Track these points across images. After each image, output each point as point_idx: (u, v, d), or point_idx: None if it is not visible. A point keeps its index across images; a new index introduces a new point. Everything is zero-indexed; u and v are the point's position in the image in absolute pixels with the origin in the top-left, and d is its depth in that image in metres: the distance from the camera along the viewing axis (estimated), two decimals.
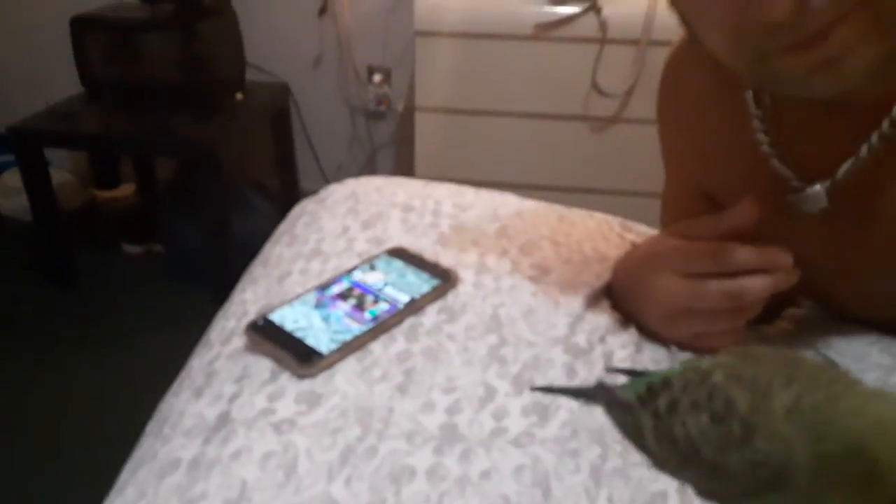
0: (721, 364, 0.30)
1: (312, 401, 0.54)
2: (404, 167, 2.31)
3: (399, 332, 0.61)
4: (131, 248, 2.22)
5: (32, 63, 2.35)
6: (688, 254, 0.58)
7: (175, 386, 0.62)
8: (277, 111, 2.22)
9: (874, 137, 0.52)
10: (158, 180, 2.36)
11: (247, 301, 0.69)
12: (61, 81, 2.05)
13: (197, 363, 0.62)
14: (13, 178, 2.34)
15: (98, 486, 0.56)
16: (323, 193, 0.92)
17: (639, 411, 0.31)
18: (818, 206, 0.56)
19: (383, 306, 0.63)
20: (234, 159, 1.93)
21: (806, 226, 0.57)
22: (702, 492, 0.30)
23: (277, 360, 0.58)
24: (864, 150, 0.53)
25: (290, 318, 0.62)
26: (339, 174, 2.37)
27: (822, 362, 0.26)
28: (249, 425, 0.51)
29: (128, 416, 1.56)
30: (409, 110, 2.11)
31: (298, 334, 0.60)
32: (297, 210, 0.93)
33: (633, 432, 0.32)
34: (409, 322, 0.63)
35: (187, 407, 0.55)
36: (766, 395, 0.26)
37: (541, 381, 0.55)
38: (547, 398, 0.53)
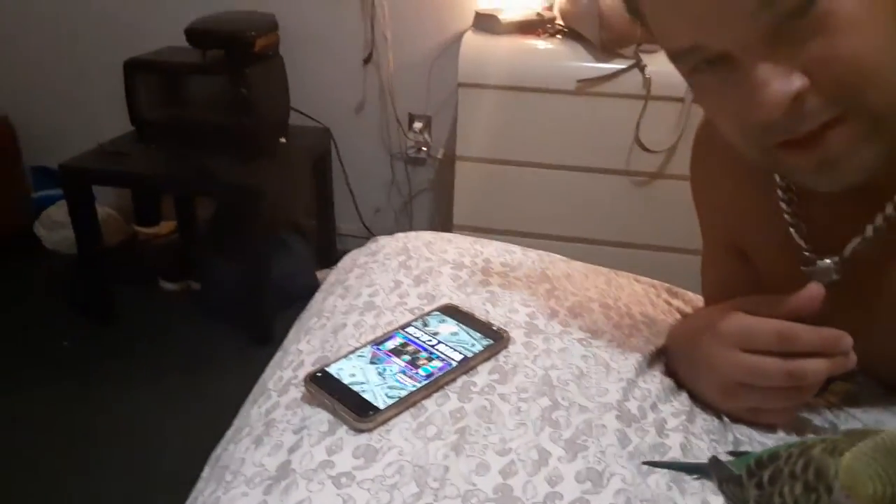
0: (822, 440, 0.31)
1: (369, 455, 0.55)
2: (441, 214, 2.34)
3: (452, 391, 0.63)
4: (168, 285, 2.27)
5: (86, 103, 2.45)
6: (753, 330, 0.58)
7: (231, 433, 0.63)
8: (319, 155, 2.27)
9: (879, 219, 0.55)
10: (199, 219, 2.41)
11: (302, 351, 0.71)
12: (113, 121, 2.13)
13: (255, 411, 0.63)
14: (58, 212, 2.42)
15: None
16: (373, 246, 0.94)
17: (746, 483, 0.33)
18: (829, 278, 0.59)
19: (437, 364, 0.65)
20: (274, 201, 1.98)
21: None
22: None
23: (335, 412, 0.59)
24: (869, 230, 0.56)
25: (347, 372, 0.63)
26: (377, 218, 2.42)
27: None
28: (310, 477, 0.53)
29: (159, 448, 1.59)
30: (448, 158, 2.15)
31: (355, 388, 0.61)
32: (346, 261, 0.95)
33: (738, 503, 0.34)
34: (461, 381, 0.64)
35: (248, 455, 0.56)
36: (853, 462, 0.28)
37: (594, 448, 0.56)
38: (601, 465, 0.54)
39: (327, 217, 2.37)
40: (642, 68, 1.64)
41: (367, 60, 2.23)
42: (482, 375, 0.65)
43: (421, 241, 0.93)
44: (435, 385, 0.62)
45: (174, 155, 2.02)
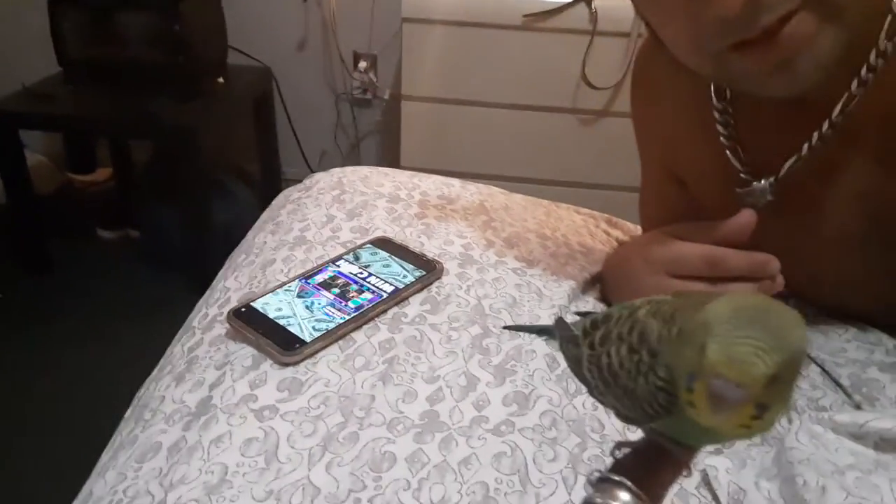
0: (649, 300, 0.32)
1: (294, 388, 0.54)
2: (389, 155, 2.29)
3: (382, 322, 0.61)
4: (107, 234, 2.19)
5: (8, 42, 2.30)
6: (682, 257, 0.59)
7: (155, 371, 0.61)
8: (260, 96, 2.19)
9: (815, 137, 0.54)
10: (136, 165, 2.33)
11: (229, 288, 0.69)
12: (38, 62, 2.01)
13: (178, 349, 0.61)
14: None
15: (76, 473, 0.55)
16: (308, 182, 0.91)
17: (581, 343, 0.34)
18: (763, 200, 0.58)
19: (367, 296, 0.63)
20: (214, 145, 1.91)
21: (758, 214, 0.59)
22: (619, 416, 0.33)
23: (259, 347, 0.58)
24: (805, 149, 0.55)
25: (274, 306, 0.61)
26: (323, 162, 2.36)
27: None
28: (231, 411, 0.51)
29: (103, 401, 1.55)
30: (396, 98, 2.10)
31: (281, 322, 0.59)
32: (280, 198, 0.92)
33: (575, 364, 0.35)
34: (392, 312, 0.63)
35: (168, 392, 0.54)
36: (673, 325, 0.28)
37: (523, 373, 0.55)
38: (527, 388, 0.54)
39: (271, 161, 2.31)
40: (589, 2, 1.61)
41: None
42: (414, 306, 0.63)
43: (357, 176, 0.90)
44: (364, 317, 0.61)
45: (106, 96, 1.92)
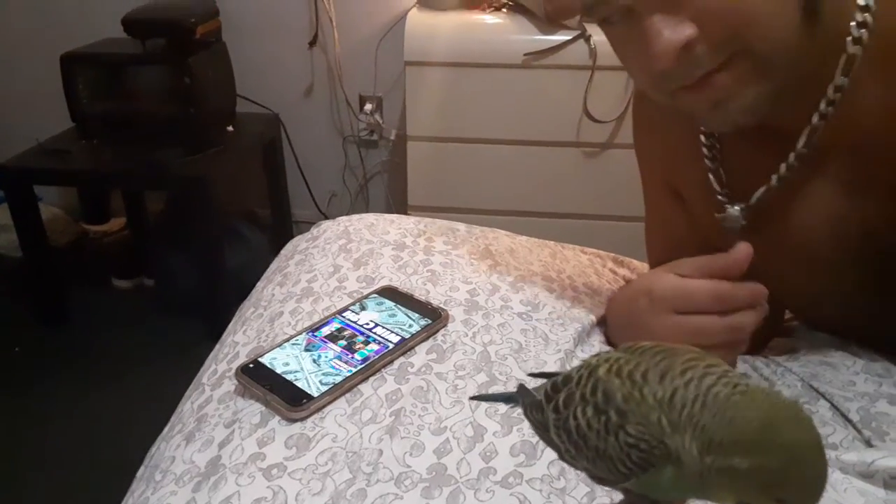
0: (607, 359, 0.33)
1: (302, 445, 0.54)
2: (397, 195, 2.32)
3: (389, 373, 0.62)
4: (122, 283, 2.22)
5: (23, 100, 2.36)
6: (688, 293, 0.60)
7: (166, 430, 0.62)
8: (268, 142, 2.23)
9: (783, 167, 0.58)
10: (149, 214, 2.36)
11: (238, 343, 0.70)
12: (51, 117, 2.06)
13: (188, 407, 0.62)
14: (2, 214, 2.34)
15: None
16: (315, 231, 0.92)
17: (545, 407, 0.34)
18: (738, 224, 0.62)
19: (373, 347, 0.64)
20: (225, 192, 1.94)
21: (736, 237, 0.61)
22: (592, 477, 0.34)
23: (268, 403, 0.58)
24: (774, 179, 0.59)
25: (281, 361, 0.62)
26: (332, 203, 2.39)
27: (698, 353, 0.30)
28: (239, 471, 0.51)
29: (121, 451, 1.56)
30: (402, 138, 2.13)
31: (289, 377, 0.60)
32: (289, 248, 0.93)
33: (541, 428, 0.35)
34: (398, 362, 0.63)
35: (178, 452, 0.55)
36: (641, 386, 0.29)
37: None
38: (534, 437, 0.53)
39: (281, 205, 2.34)
40: (587, 38, 1.63)
41: (312, 43, 2.18)
42: (420, 356, 0.64)
43: (363, 224, 0.91)
44: (371, 369, 0.61)
45: (119, 149, 1.96)
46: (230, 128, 2.08)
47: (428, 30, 1.74)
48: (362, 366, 0.61)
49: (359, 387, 0.60)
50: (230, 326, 0.77)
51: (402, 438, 0.54)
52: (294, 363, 0.62)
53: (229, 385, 0.62)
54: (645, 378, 0.30)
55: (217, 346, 0.73)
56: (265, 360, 0.62)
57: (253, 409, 0.58)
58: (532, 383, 0.49)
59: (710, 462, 0.28)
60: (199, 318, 1.96)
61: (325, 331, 0.66)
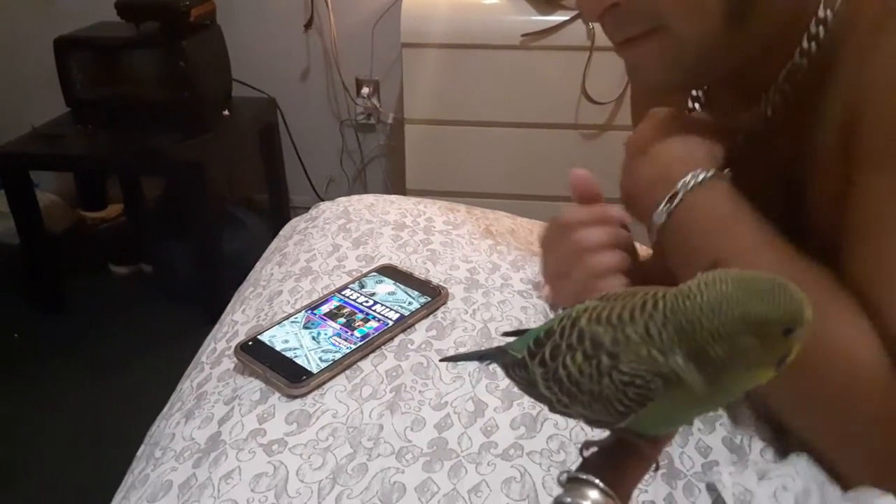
0: (585, 308, 0.33)
1: (302, 421, 0.54)
2: (395, 179, 2.31)
3: (389, 350, 0.61)
4: (119, 269, 2.21)
5: (17, 85, 2.35)
6: (552, 231, 0.66)
7: (166, 408, 0.62)
8: (265, 126, 2.21)
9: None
10: (146, 199, 2.35)
11: (237, 322, 0.69)
12: (46, 103, 2.05)
13: (187, 385, 0.62)
14: None
15: None
16: (314, 212, 0.92)
17: (529, 364, 0.34)
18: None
19: (372, 324, 0.63)
20: (222, 177, 1.93)
21: None
22: (590, 422, 0.34)
23: (267, 380, 0.58)
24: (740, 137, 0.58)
25: (280, 338, 0.62)
26: (330, 188, 2.38)
27: (654, 289, 0.32)
28: (240, 447, 0.51)
29: (120, 437, 1.56)
30: (399, 122, 2.12)
31: (288, 354, 0.60)
32: (287, 228, 0.93)
33: (528, 386, 0.36)
34: (399, 339, 0.63)
35: (178, 430, 0.55)
36: (622, 327, 0.31)
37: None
38: (534, 410, 0.53)
39: (279, 189, 2.33)
40: (585, 19, 1.62)
41: (307, 25, 2.17)
42: (420, 333, 0.64)
43: (362, 204, 0.91)
44: (370, 346, 0.61)
45: (114, 134, 1.95)
46: (226, 112, 2.07)
47: (425, 11, 1.72)
48: (362, 343, 0.61)
49: (359, 364, 0.60)
50: (229, 306, 0.77)
51: (402, 414, 0.54)
52: (293, 340, 0.62)
53: (228, 363, 0.62)
54: (621, 319, 0.31)
55: (216, 326, 0.73)
56: (264, 337, 0.62)
57: (253, 387, 0.58)
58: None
59: (719, 352, 0.29)
60: (198, 303, 1.96)
61: (325, 308, 0.66)
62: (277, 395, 0.56)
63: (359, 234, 0.83)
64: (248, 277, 0.85)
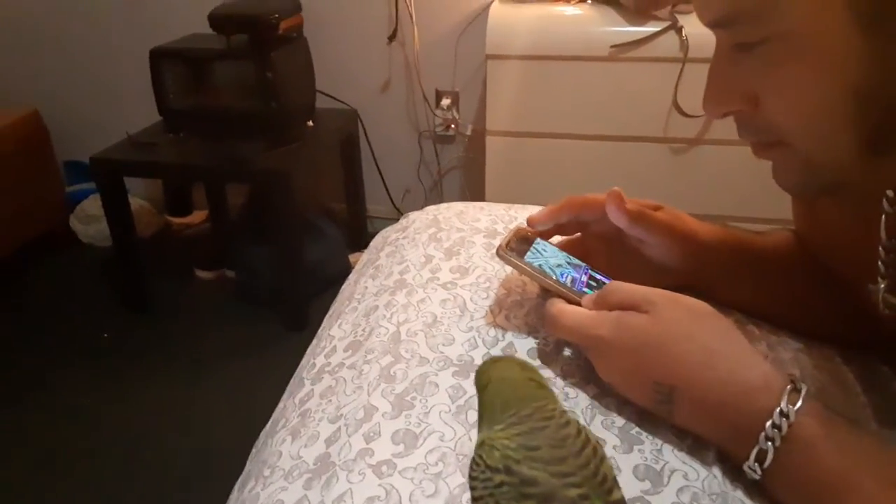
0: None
1: (409, 442, 0.52)
2: (472, 191, 2.30)
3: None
4: (204, 274, 2.27)
5: (114, 94, 2.46)
6: None
7: (269, 426, 0.61)
8: (346, 137, 2.24)
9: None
10: (230, 206, 2.41)
11: (334, 337, 0.69)
12: (141, 112, 2.13)
13: (290, 402, 0.61)
14: (92, 205, 2.44)
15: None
16: (404, 222, 0.91)
17: None
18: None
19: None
20: (304, 186, 1.96)
21: None
22: None
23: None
24: None
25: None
26: (406, 199, 2.39)
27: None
28: (349, 468, 0.50)
29: (199, 435, 1.60)
30: (478, 134, 2.11)
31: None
32: (378, 239, 0.92)
33: None
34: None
35: (284, 448, 0.54)
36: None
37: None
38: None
39: (357, 199, 2.35)
40: (679, 29, 1.57)
41: (391, 38, 2.19)
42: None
43: (452, 212, 0.90)
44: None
45: (203, 143, 2.01)
46: (310, 123, 2.10)
47: (510, 22, 1.71)
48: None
49: (461, 383, 0.58)
50: (325, 320, 0.77)
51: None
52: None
53: (329, 380, 0.61)
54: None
55: (314, 341, 0.72)
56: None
57: (356, 405, 0.56)
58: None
59: None
60: (278, 311, 1.99)
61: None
62: (381, 412, 0.55)
63: (450, 243, 0.81)
64: (342, 290, 0.84)
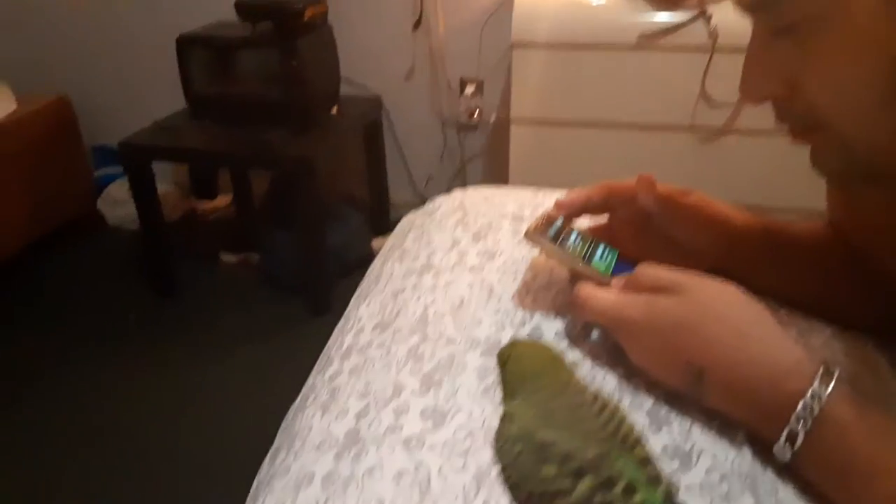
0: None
1: (437, 419, 0.53)
2: (495, 179, 2.30)
3: None
4: (229, 257, 2.30)
5: (141, 80, 2.48)
6: None
7: (299, 401, 0.62)
8: (370, 124, 2.25)
9: None
10: (254, 191, 2.43)
11: (362, 317, 0.69)
12: (167, 98, 2.15)
13: (319, 379, 0.62)
14: (119, 189, 2.47)
15: (206, 488, 0.56)
16: (430, 206, 0.92)
17: None
18: None
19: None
20: (327, 172, 1.97)
21: None
22: None
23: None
24: None
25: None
26: (430, 186, 2.39)
27: None
28: (379, 442, 0.51)
29: (226, 417, 1.62)
30: (502, 122, 2.10)
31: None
32: (404, 223, 0.92)
33: None
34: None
35: (315, 422, 0.55)
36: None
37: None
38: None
39: (380, 186, 2.36)
40: (708, 18, 1.56)
41: (416, 25, 2.19)
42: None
43: (479, 197, 0.90)
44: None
45: (228, 130, 2.03)
46: (334, 110, 2.11)
47: (536, 10, 1.70)
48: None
49: (487, 364, 0.58)
50: (353, 301, 0.77)
51: None
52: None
53: (358, 358, 0.62)
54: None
55: (342, 320, 0.73)
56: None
57: (385, 382, 0.57)
58: None
59: None
60: (301, 294, 2.01)
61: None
62: (410, 390, 0.56)
63: (477, 227, 0.82)
64: (368, 272, 0.85)
